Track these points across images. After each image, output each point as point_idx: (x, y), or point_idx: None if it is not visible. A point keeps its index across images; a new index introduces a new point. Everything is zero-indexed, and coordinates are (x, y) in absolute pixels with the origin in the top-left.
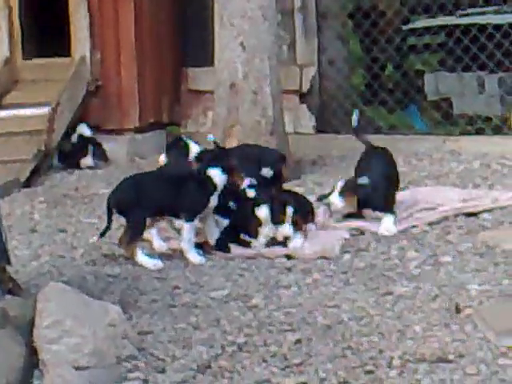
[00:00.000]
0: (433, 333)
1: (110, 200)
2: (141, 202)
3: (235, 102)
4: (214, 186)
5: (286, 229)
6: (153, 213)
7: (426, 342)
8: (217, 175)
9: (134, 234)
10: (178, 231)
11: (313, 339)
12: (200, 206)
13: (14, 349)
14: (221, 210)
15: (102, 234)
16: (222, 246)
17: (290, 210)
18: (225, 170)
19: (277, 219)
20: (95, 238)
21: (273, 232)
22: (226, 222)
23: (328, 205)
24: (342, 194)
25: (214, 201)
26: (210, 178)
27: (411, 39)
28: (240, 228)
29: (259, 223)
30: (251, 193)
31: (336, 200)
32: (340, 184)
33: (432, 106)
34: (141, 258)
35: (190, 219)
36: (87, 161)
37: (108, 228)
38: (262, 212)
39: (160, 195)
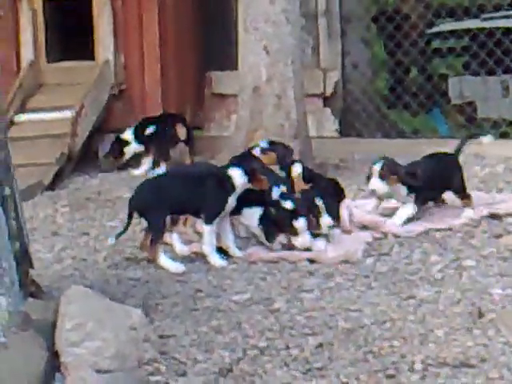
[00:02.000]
0: (455, 337)
1: (130, 202)
2: (160, 202)
3: (259, 105)
4: (233, 187)
5: (326, 219)
6: (172, 212)
7: (448, 346)
8: (237, 176)
9: (155, 234)
10: (200, 235)
11: (334, 343)
12: (218, 206)
13: (36, 352)
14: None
15: (119, 236)
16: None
17: (319, 202)
18: (247, 172)
19: (313, 228)
20: (112, 240)
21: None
22: (259, 211)
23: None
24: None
25: (232, 202)
26: (229, 178)
27: (435, 43)
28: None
29: (295, 232)
30: (288, 204)
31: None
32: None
33: (456, 110)
34: (163, 261)
35: (208, 221)
36: None
37: (125, 230)
38: (301, 224)
39: (178, 194)
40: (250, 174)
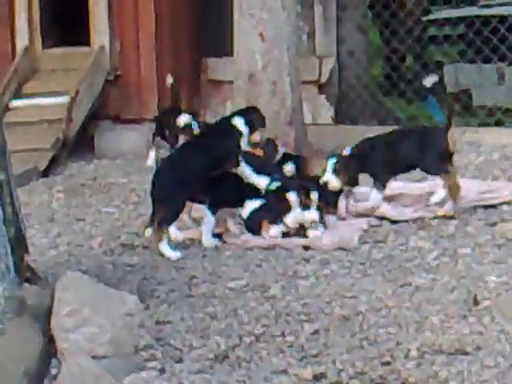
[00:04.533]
0: (450, 324)
1: (154, 194)
2: (181, 184)
3: (254, 92)
4: (240, 134)
5: (313, 213)
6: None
7: (443, 333)
8: (239, 124)
9: (170, 219)
10: (196, 221)
11: (330, 330)
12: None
13: (32, 337)
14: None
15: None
16: (253, 226)
17: (315, 196)
18: (247, 123)
19: (304, 204)
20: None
21: (300, 217)
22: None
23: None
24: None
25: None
26: (235, 127)
27: (431, 30)
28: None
29: (288, 208)
30: (275, 184)
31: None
32: (331, 161)
33: (451, 98)
34: (163, 246)
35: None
36: None
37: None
38: (292, 197)
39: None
40: (250, 128)
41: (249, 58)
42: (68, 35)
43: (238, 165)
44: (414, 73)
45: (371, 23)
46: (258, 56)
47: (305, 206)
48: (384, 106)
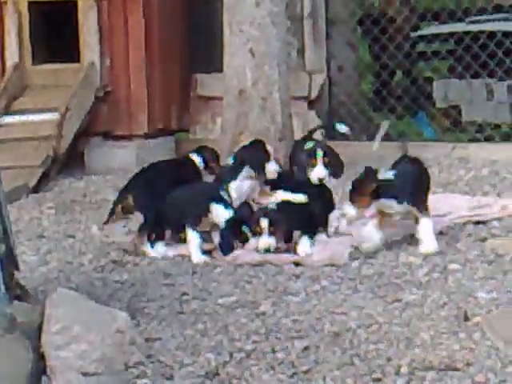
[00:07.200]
0: (441, 341)
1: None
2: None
3: (244, 108)
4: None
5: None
6: None
7: (434, 349)
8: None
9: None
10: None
11: (321, 346)
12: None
13: (22, 354)
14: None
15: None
16: (227, 246)
17: (264, 223)
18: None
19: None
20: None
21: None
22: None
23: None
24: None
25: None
26: (193, 162)
27: (420, 46)
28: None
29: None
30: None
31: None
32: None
33: (441, 113)
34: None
35: None
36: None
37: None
38: (263, 223)
39: None
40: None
41: (239, 74)
42: (58, 51)
43: None
44: (404, 88)
45: (361, 39)
46: (248, 72)
47: (256, 233)
48: (374, 122)
